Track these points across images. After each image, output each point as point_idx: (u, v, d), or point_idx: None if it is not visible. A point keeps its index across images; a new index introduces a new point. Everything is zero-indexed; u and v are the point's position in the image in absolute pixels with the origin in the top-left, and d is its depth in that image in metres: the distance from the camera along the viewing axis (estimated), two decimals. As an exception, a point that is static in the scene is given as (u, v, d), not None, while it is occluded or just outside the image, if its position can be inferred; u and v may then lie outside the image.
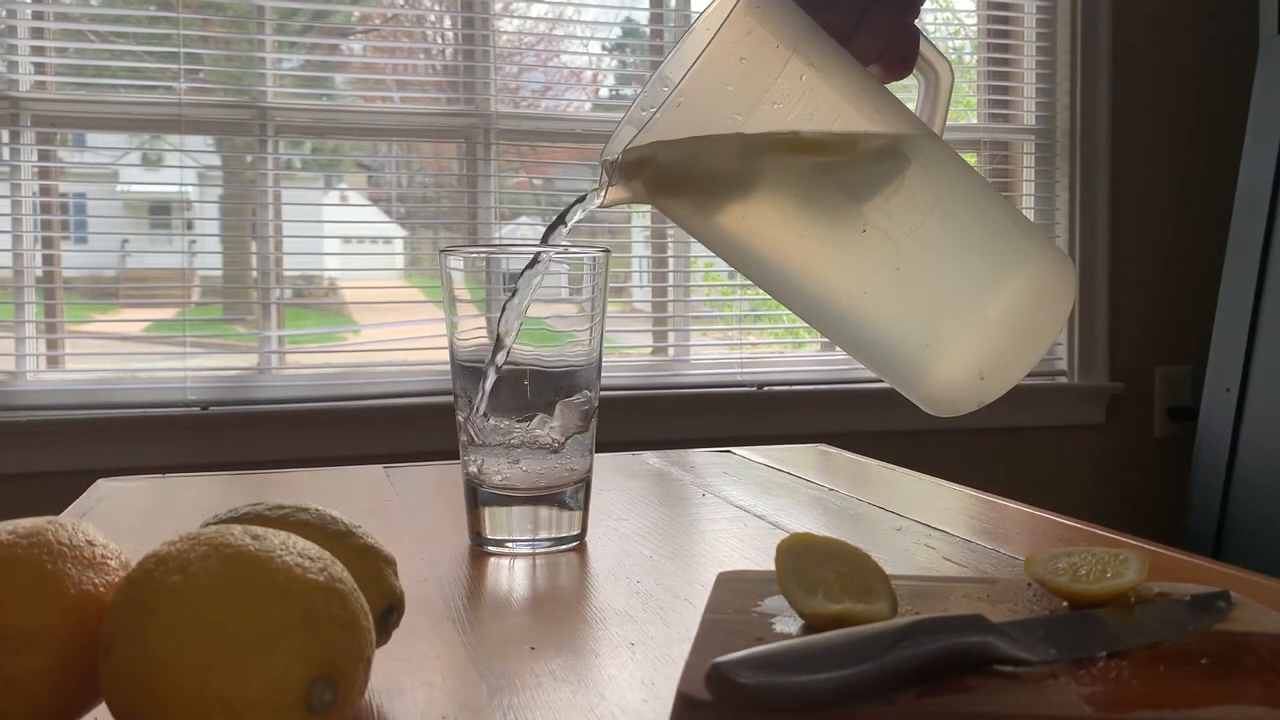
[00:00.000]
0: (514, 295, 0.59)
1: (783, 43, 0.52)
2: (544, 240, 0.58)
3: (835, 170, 0.54)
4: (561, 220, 0.58)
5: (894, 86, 0.59)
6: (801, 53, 0.52)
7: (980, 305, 0.54)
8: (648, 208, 2.17)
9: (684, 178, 0.55)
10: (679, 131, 0.52)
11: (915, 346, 0.55)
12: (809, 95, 0.52)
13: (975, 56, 2.35)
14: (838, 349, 2.46)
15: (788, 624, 0.42)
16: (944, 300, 0.54)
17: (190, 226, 1.95)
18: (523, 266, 0.59)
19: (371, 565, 0.41)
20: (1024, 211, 2.36)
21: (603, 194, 0.56)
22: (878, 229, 0.53)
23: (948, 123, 0.63)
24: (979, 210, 0.56)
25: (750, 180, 0.54)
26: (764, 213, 0.56)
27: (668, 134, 0.52)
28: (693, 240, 2.15)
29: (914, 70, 0.60)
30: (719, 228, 0.57)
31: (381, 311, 2.13)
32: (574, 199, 0.58)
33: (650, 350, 2.17)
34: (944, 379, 0.56)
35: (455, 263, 0.63)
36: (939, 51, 0.60)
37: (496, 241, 2.04)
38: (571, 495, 0.63)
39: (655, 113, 0.50)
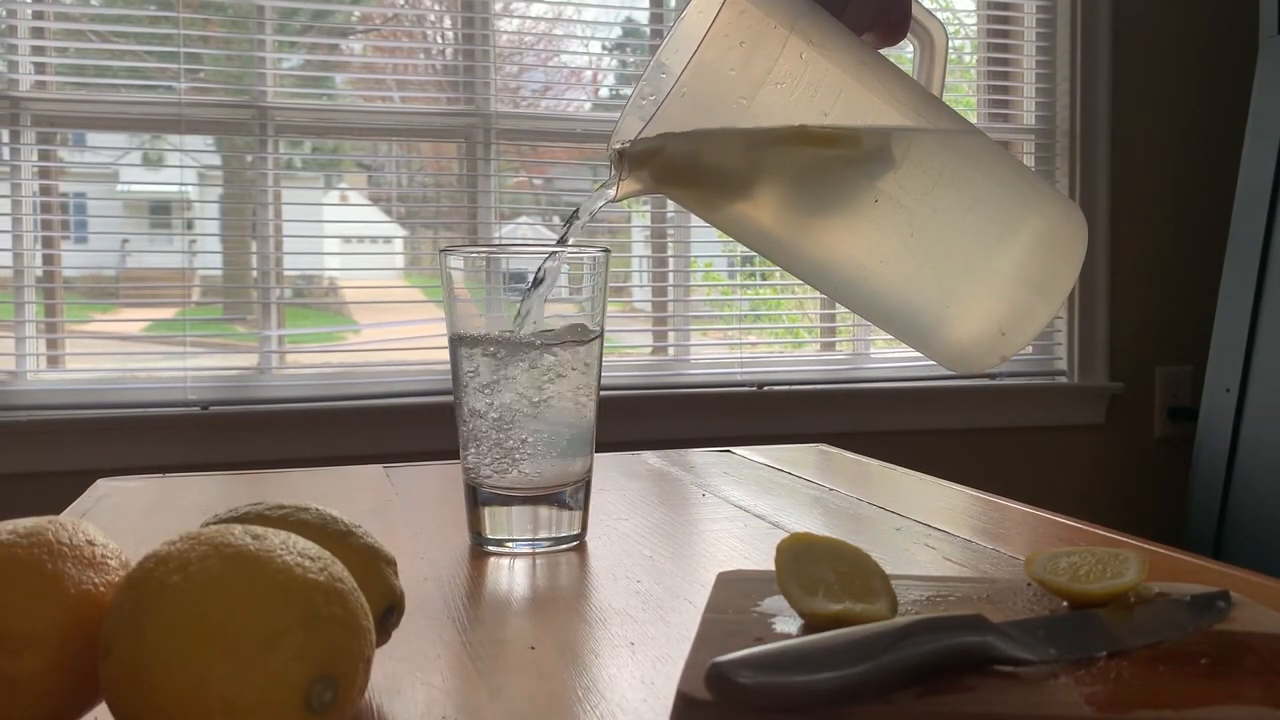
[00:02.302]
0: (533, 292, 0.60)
1: (780, 22, 0.52)
2: (560, 241, 0.59)
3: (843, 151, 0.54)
4: (575, 217, 0.58)
5: (889, 51, 0.59)
6: (799, 30, 0.53)
7: (994, 262, 0.55)
8: (648, 206, 2.17)
9: (694, 168, 0.55)
10: (685, 120, 0.52)
11: (935, 308, 0.56)
12: (810, 72, 0.53)
13: (975, 56, 2.35)
14: (837, 348, 2.45)
15: (788, 624, 0.42)
16: (959, 260, 0.55)
17: (190, 226, 1.94)
18: (535, 272, 0.59)
19: (371, 565, 0.41)
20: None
21: (615, 188, 0.56)
22: (889, 198, 0.54)
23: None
24: (985, 169, 0.57)
25: (759, 169, 0.55)
26: (775, 196, 0.57)
27: (674, 123, 0.52)
28: (693, 240, 2.16)
29: (908, 35, 0.61)
30: (731, 211, 0.58)
31: (381, 311, 2.13)
32: (590, 195, 0.58)
33: (650, 350, 2.17)
34: (966, 337, 0.57)
35: (455, 262, 0.63)
36: (930, 13, 0.61)
37: (496, 241, 2.04)
38: (571, 495, 0.63)
39: (661, 104, 0.50)
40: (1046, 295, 0.56)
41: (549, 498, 0.62)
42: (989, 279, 0.55)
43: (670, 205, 2.15)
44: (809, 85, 0.53)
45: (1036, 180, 0.58)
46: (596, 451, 0.65)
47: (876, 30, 0.59)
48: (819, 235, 0.57)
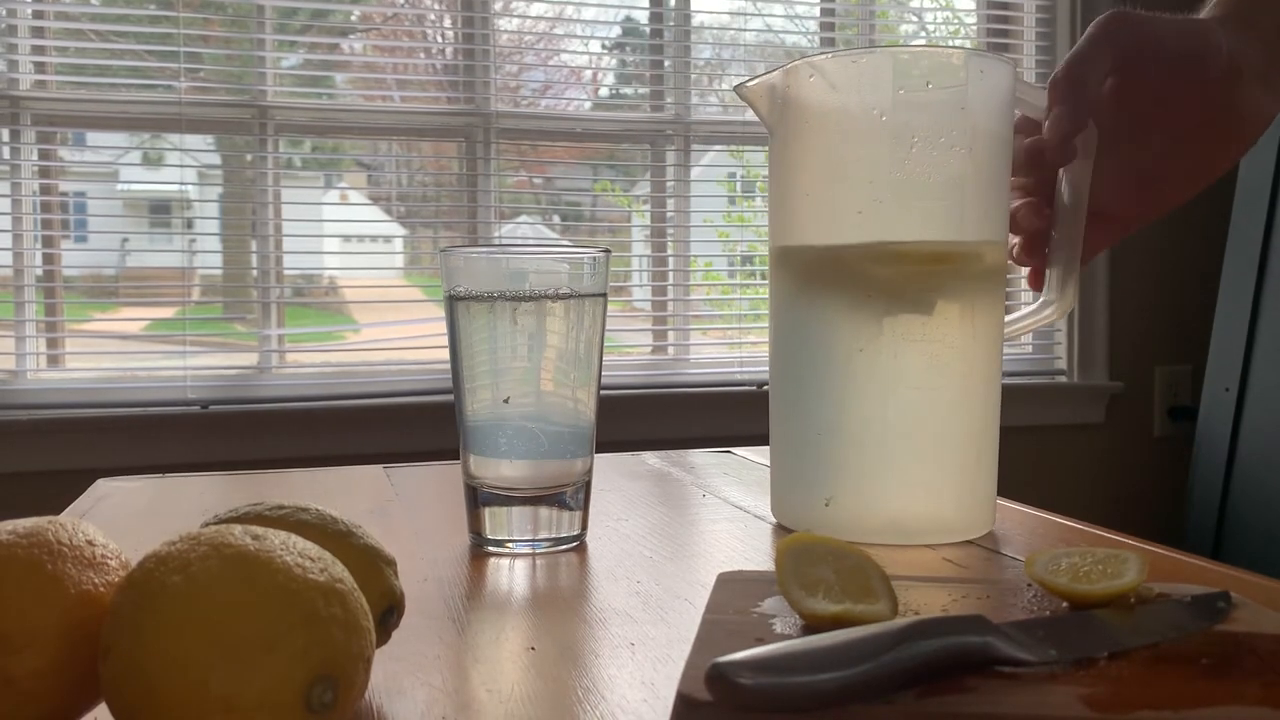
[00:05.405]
0: None
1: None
2: None
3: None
4: None
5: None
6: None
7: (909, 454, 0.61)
8: (648, 206, 2.17)
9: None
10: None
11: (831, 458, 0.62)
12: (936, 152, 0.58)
13: (975, 56, 2.35)
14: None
15: (788, 624, 0.42)
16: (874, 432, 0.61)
17: (190, 225, 1.95)
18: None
19: (371, 565, 0.41)
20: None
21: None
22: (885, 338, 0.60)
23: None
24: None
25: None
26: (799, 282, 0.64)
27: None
28: (692, 240, 2.16)
29: (1043, 280, 0.65)
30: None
31: (381, 310, 2.13)
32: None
33: (650, 350, 2.17)
34: (805, 490, 0.63)
35: (455, 262, 0.63)
36: (1076, 291, 0.65)
37: (496, 241, 2.04)
38: (571, 495, 0.63)
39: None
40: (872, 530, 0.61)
41: (549, 498, 0.62)
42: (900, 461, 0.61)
43: (670, 205, 2.15)
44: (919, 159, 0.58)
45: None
46: (596, 451, 0.65)
47: (1037, 235, 0.64)
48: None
